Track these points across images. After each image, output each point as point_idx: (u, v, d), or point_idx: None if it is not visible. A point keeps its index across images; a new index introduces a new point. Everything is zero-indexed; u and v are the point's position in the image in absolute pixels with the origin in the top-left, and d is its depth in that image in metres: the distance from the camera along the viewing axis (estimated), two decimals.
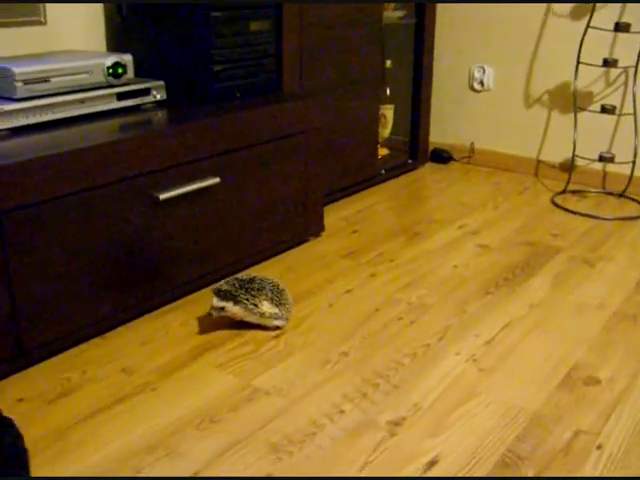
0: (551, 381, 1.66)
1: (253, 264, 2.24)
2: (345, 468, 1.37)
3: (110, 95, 2.01)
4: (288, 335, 1.85)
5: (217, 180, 1.98)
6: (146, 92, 2.09)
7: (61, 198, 1.65)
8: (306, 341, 1.82)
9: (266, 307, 1.82)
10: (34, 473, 1.35)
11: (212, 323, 1.90)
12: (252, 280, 1.84)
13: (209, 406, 1.56)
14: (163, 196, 1.85)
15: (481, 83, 3.31)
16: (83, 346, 1.79)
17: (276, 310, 1.82)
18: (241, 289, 1.81)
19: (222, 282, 1.84)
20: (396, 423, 1.50)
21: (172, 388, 1.62)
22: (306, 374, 1.67)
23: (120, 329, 1.88)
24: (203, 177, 1.96)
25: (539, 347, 1.80)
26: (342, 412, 1.53)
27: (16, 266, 1.59)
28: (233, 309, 1.81)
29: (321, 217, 2.43)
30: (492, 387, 1.63)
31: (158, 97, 2.12)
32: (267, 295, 1.82)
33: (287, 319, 1.86)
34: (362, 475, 1.35)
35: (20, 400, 1.59)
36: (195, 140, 1.92)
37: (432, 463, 1.38)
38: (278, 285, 1.85)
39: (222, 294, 1.81)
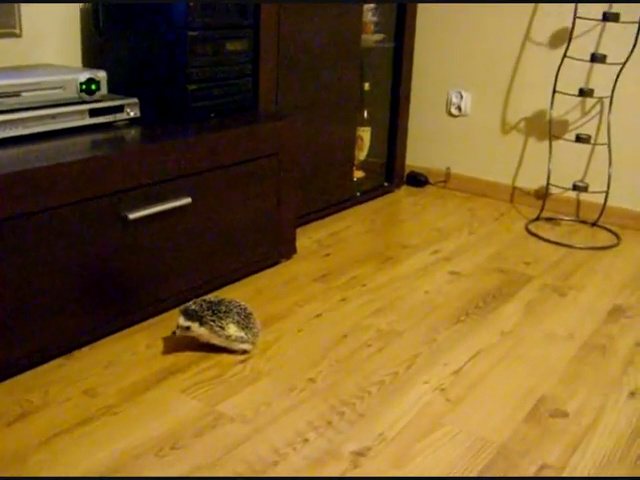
0: (518, 413, 1.65)
1: (223, 285, 2.21)
2: None
3: (82, 111, 1.99)
4: (255, 360, 1.82)
5: (188, 200, 1.96)
6: (119, 109, 2.07)
7: (28, 215, 1.62)
8: (273, 366, 1.80)
9: (232, 330, 1.80)
10: None
11: (178, 345, 1.87)
12: (220, 302, 1.82)
13: (172, 431, 1.53)
14: (133, 216, 1.82)
15: (458, 108, 3.32)
16: (46, 366, 1.76)
17: (242, 334, 1.80)
18: (208, 310, 1.79)
19: (190, 302, 1.82)
20: (360, 453, 1.48)
21: (135, 412, 1.60)
22: (271, 400, 1.65)
23: (85, 349, 1.84)
24: (174, 197, 1.94)
25: (507, 378, 1.79)
26: (306, 441, 1.51)
27: None
28: (199, 330, 1.79)
29: (293, 239, 2.42)
30: (459, 418, 1.61)
31: (132, 114, 2.10)
32: (234, 318, 1.80)
33: (253, 343, 1.84)
34: None
35: None
36: (167, 159, 1.90)
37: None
38: (246, 309, 1.83)
39: (189, 314, 1.79)
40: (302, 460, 1.45)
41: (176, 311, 2.00)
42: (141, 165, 1.84)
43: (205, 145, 2.00)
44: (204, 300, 1.83)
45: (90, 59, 2.40)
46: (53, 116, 1.92)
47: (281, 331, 1.97)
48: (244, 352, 1.84)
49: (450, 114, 3.36)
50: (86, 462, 1.43)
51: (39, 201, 1.63)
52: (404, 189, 3.40)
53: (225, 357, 1.83)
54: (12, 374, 1.71)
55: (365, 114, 3.22)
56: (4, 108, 1.84)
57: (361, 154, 3.22)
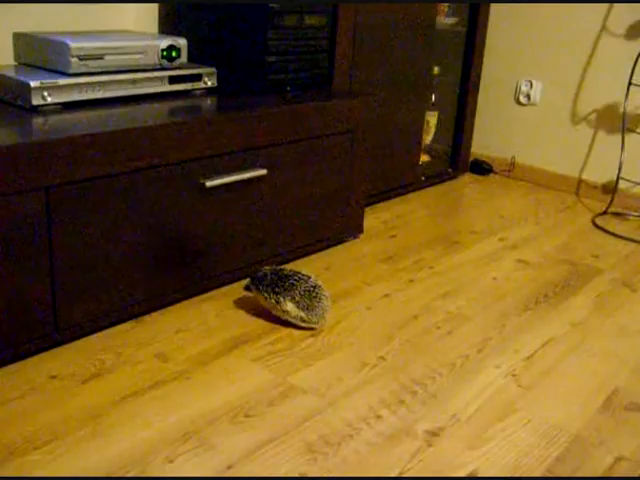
0: (592, 403, 1.61)
1: (292, 260, 2.21)
2: (381, 474, 1.33)
3: (162, 78, 1.99)
4: (325, 335, 1.81)
5: (264, 172, 1.95)
6: (197, 78, 2.07)
7: (107, 177, 1.62)
8: (343, 342, 1.78)
9: (289, 307, 1.79)
10: (68, 451, 1.33)
11: (247, 316, 1.87)
12: (288, 277, 1.81)
13: (244, 399, 1.53)
14: (210, 183, 1.82)
15: (527, 97, 3.26)
16: (118, 328, 1.77)
17: (302, 314, 1.79)
18: (271, 281, 1.81)
19: (265, 268, 1.85)
20: (434, 433, 1.46)
21: (207, 378, 1.60)
22: (343, 375, 1.64)
23: (155, 314, 1.85)
24: (250, 168, 1.93)
25: (580, 368, 1.75)
26: (379, 417, 1.50)
27: (58, 242, 1.57)
28: (258, 296, 1.83)
29: (361, 218, 2.40)
30: (531, 404, 1.59)
31: (209, 84, 2.10)
32: (294, 297, 1.78)
33: (316, 323, 1.82)
34: None
35: (53, 377, 1.57)
36: (244, 130, 1.89)
37: (470, 477, 1.34)
38: (314, 289, 1.80)
39: (253, 279, 1.84)
40: (376, 436, 1.43)
41: (245, 282, 2.00)
42: (219, 134, 1.83)
43: (282, 118, 1.99)
44: (276, 270, 1.83)
45: (166, 27, 2.40)
46: (134, 81, 1.93)
47: (350, 308, 1.96)
48: (305, 328, 1.83)
49: (518, 102, 3.31)
50: (160, 424, 1.43)
51: (117, 164, 1.63)
52: (467, 176, 3.36)
53: (295, 331, 1.82)
54: (85, 334, 1.73)
55: (433, 98, 3.18)
56: (87, 70, 1.84)
57: (427, 138, 3.18)
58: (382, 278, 2.16)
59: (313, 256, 2.28)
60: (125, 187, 1.66)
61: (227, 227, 1.93)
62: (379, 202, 2.85)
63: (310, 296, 1.79)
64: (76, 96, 1.82)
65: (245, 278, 2.03)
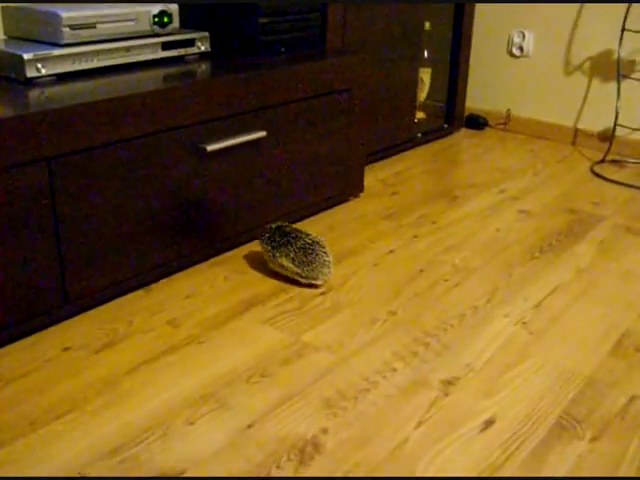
0: (602, 346, 1.63)
1: (296, 221, 2.21)
2: (401, 425, 1.34)
3: (155, 44, 1.97)
4: (334, 292, 1.82)
5: (263, 134, 1.94)
6: (190, 43, 2.05)
7: (108, 146, 1.62)
8: (352, 299, 1.79)
9: (285, 262, 1.82)
10: (89, 419, 1.34)
11: (256, 278, 1.88)
12: (287, 233, 1.83)
13: (259, 360, 1.53)
14: (210, 147, 1.81)
15: (520, 49, 3.25)
16: (128, 297, 1.77)
17: (298, 270, 1.81)
18: (272, 237, 1.85)
19: (273, 225, 1.88)
20: (449, 382, 1.47)
21: (220, 341, 1.60)
22: (355, 331, 1.65)
23: (163, 282, 1.85)
24: (249, 130, 1.92)
25: (588, 312, 1.76)
26: (394, 370, 1.51)
27: (63, 213, 1.56)
28: (262, 250, 1.89)
29: (361, 177, 2.39)
30: (543, 350, 1.60)
31: (202, 48, 2.08)
32: (289, 254, 1.81)
33: (314, 279, 1.82)
34: (418, 430, 1.33)
35: (66, 349, 1.57)
36: (241, 92, 1.88)
37: (488, 423, 1.36)
38: (310, 246, 1.80)
39: (262, 234, 1.88)
40: (393, 388, 1.45)
41: (250, 244, 2.02)
42: (216, 98, 1.82)
43: (278, 79, 1.97)
44: (281, 226, 1.86)
45: None
46: (127, 49, 1.91)
47: (356, 265, 1.96)
48: (311, 285, 1.84)
49: (511, 55, 3.29)
50: (177, 388, 1.44)
51: (117, 132, 1.62)
52: (463, 131, 3.35)
53: (304, 290, 1.83)
54: (95, 304, 1.73)
55: (425, 54, 3.16)
56: (80, 40, 1.82)
57: (421, 95, 3.17)
58: (386, 235, 2.17)
59: (316, 216, 2.28)
60: (127, 155, 1.65)
61: (230, 191, 1.93)
62: (376, 161, 2.84)
63: (306, 252, 1.80)
64: (70, 66, 1.80)
65: (251, 241, 2.04)
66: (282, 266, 1.84)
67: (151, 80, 1.78)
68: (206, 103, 1.79)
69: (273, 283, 1.86)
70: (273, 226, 1.86)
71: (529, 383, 1.48)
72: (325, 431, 1.32)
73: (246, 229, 2.02)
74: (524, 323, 1.70)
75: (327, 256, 1.82)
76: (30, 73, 1.72)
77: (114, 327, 1.65)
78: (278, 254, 1.83)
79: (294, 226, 1.87)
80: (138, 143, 1.67)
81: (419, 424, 1.35)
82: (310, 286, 1.83)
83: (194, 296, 1.79)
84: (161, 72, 1.88)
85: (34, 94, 1.63)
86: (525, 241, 2.15)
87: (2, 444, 1.28)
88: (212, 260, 1.97)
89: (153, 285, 1.83)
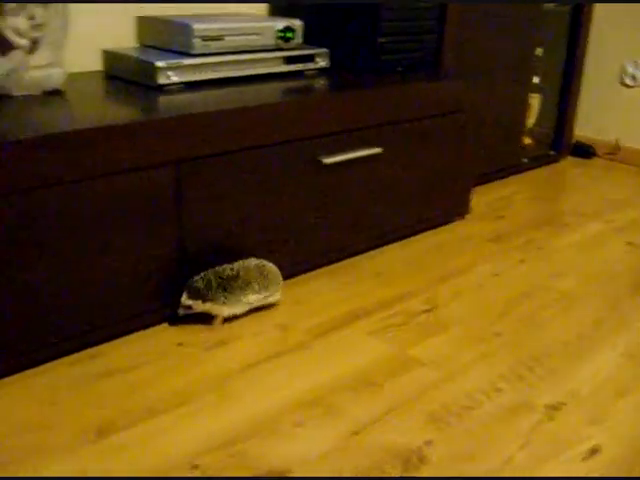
0: None
1: (402, 238, 2.24)
2: (505, 444, 1.35)
3: (278, 58, 2.04)
4: (439, 310, 1.84)
5: (379, 150, 1.98)
6: (311, 58, 2.11)
7: (234, 153, 1.68)
8: (457, 318, 1.80)
9: (253, 298, 1.74)
10: (201, 413, 1.39)
11: (362, 291, 1.91)
12: (234, 278, 1.70)
13: (365, 370, 1.57)
14: (327, 160, 1.86)
15: (633, 78, 3.20)
16: None
17: (264, 294, 1.76)
18: (219, 287, 1.68)
19: (197, 277, 1.68)
20: (554, 407, 1.47)
21: (327, 349, 1.64)
22: (460, 350, 1.66)
23: None
24: (364, 146, 1.97)
25: None
26: (499, 390, 1.51)
27: (186, 214, 1.63)
28: (203, 307, 1.70)
29: (468, 199, 2.41)
30: None
31: (321, 64, 2.14)
32: (254, 288, 1.72)
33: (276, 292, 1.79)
34: (523, 452, 1.33)
35: (180, 344, 1.63)
36: (358, 109, 1.93)
37: (593, 451, 1.35)
38: (260, 267, 1.75)
39: (192, 292, 1.67)
40: (496, 408, 1.45)
41: (357, 258, 2.05)
42: (335, 112, 1.87)
43: (394, 97, 2.01)
44: (212, 275, 1.69)
45: (275, 8, 2.44)
46: (251, 61, 1.98)
47: (461, 286, 1.98)
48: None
49: (623, 84, 3.25)
50: (285, 390, 1.48)
51: (243, 140, 1.68)
52: (570, 159, 3.32)
53: (410, 305, 1.85)
54: None
55: (536, 80, 3.14)
56: (209, 51, 1.90)
57: (529, 121, 3.15)
58: (492, 258, 2.17)
59: (421, 235, 2.30)
60: (249, 162, 1.71)
61: (344, 204, 1.97)
62: (482, 184, 2.84)
63: (263, 273, 1.74)
64: (198, 76, 1.88)
65: (355, 255, 2.08)
66: (249, 303, 1.75)
67: (274, 92, 1.85)
68: (324, 118, 1.84)
69: (378, 297, 1.89)
70: (201, 281, 1.67)
71: (637, 414, 1.47)
72: (430, 443, 1.34)
73: (358, 242, 2.06)
74: (631, 356, 1.68)
75: (272, 273, 1.77)
76: (161, 80, 1.81)
77: (224, 327, 1.71)
78: (243, 295, 1.72)
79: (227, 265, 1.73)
80: (261, 152, 1.73)
81: (523, 445, 1.35)
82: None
83: (302, 303, 1.84)
84: (283, 85, 1.94)
85: (164, 100, 1.71)
86: (633, 274, 2.12)
87: (121, 428, 1.35)
88: (320, 270, 2.02)
89: None
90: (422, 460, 1.30)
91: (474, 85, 2.28)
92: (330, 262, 2.05)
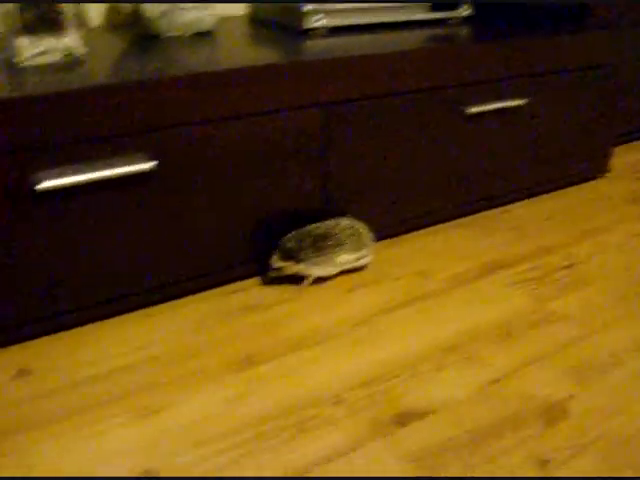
0: None
1: (538, 194, 2.20)
2: None
3: (424, 5, 2.01)
4: (580, 267, 1.80)
5: (523, 101, 1.94)
6: (455, 6, 2.08)
7: (380, 97, 1.68)
8: (598, 275, 1.77)
9: (346, 255, 1.68)
10: (343, 350, 1.42)
11: (499, 243, 1.90)
12: (325, 236, 1.65)
13: (505, 320, 1.56)
14: (471, 110, 1.84)
15: None
16: (381, 244, 1.86)
17: (356, 255, 1.71)
18: (311, 247, 1.63)
19: (287, 237, 1.63)
20: None
21: (466, 297, 1.64)
22: (602, 307, 1.63)
23: (407, 237, 1.91)
24: (508, 97, 1.93)
25: None
26: None
27: (331, 155, 1.66)
28: (297, 267, 1.65)
29: (609, 157, 2.33)
30: None
31: (466, 13, 2.10)
32: (346, 248, 1.67)
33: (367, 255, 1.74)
34: None
35: (319, 284, 1.67)
36: (504, 58, 1.89)
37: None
38: (352, 228, 1.68)
39: (285, 252, 1.63)
40: None
41: (494, 211, 2.03)
42: (480, 61, 1.84)
43: (540, 48, 1.96)
44: (304, 234, 1.64)
45: None
46: (397, 7, 1.97)
47: (602, 244, 1.93)
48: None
49: None
50: (425, 335, 1.50)
51: (389, 84, 1.68)
52: None
53: (549, 260, 1.83)
54: None
55: None
56: None
57: None
58: (632, 218, 2.10)
59: (558, 192, 2.25)
60: (392, 108, 1.71)
61: (484, 155, 1.95)
62: (623, 143, 2.75)
63: (356, 234, 1.69)
64: (344, 20, 1.89)
65: (496, 207, 2.06)
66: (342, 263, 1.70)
67: (420, 39, 1.83)
68: (469, 66, 1.82)
69: (516, 251, 1.87)
70: (292, 241, 1.63)
71: None
72: (572, 397, 1.33)
73: (490, 195, 2.04)
74: None
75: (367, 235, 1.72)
76: (307, 24, 1.82)
77: (365, 270, 1.73)
78: (336, 256, 1.67)
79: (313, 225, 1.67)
80: (407, 98, 1.72)
81: None
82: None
83: (441, 253, 1.84)
84: (428, 32, 1.92)
85: (311, 44, 1.72)
86: None
87: (265, 361, 1.40)
88: (457, 221, 2.01)
89: (396, 239, 1.90)
90: (565, 413, 1.29)
91: (627, 37, 2.19)
92: (465, 214, 2.04)
